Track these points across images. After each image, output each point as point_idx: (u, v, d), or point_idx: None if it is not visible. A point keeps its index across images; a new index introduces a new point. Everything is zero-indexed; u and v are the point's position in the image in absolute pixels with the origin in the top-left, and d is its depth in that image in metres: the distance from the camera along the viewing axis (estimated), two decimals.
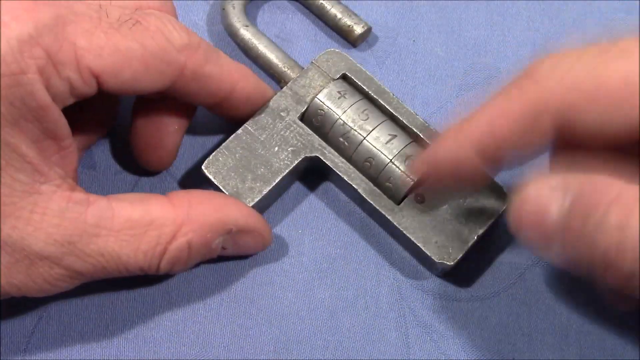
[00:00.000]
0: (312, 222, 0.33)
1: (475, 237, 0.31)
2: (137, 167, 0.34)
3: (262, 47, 0.35)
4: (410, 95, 0.36)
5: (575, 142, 0.26)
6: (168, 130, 0.32)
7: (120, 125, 0.35)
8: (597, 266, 0.23)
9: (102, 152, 0.34)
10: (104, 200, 0.27)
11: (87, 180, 0.34)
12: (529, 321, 0.32)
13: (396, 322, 0.32)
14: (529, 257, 0.33)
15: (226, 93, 0.31)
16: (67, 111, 0.27)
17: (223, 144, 0.32)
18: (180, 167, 0.34)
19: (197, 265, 0.32)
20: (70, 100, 0.27)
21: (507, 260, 0.33)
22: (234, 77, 0.31)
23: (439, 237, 0.31)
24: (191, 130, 0.35)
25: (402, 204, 0.31)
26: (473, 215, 0.31)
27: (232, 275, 0.32)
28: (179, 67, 0.28)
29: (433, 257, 0.30)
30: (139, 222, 0.27)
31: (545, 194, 0.24)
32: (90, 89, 0.27)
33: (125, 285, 0.32)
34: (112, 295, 0.32)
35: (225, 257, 0.32)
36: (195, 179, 0.34)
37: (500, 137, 0.26)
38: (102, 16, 0.27)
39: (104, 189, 0.34)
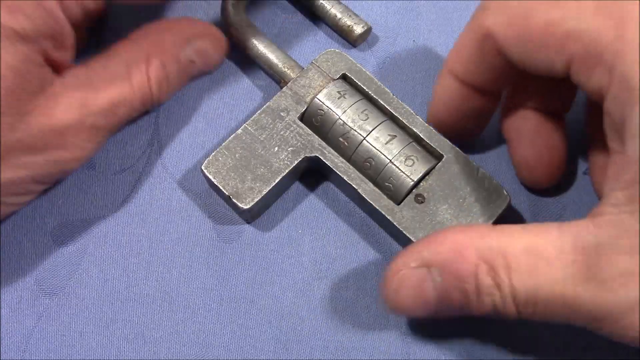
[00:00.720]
0: (312, 222, 0.33)
1: None
2: (137, 167, 0.34)
3: (262, 47, 0.35)
4: (410, 95, 0.36)
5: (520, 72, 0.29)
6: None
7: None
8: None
9: (102, 152, 0.34)
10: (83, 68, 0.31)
11: (87, 180, 0.34)
12: (529, 321, 0.32)
13: (396, 322, 0.32)
14: None
15: None
16: None
17: (223, 144, 0.32)
18: (181, 167, 0.34)
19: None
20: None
21: None
22: None
23: None
24: (191, 130, 0.35)
25: (402, 204, 0.31)
26: (473, 215, 0.31)
27: (232, 275, 0.32)
28: None
29: None
30: (119, 69, 0.31)
31: (414, 274, 0.27)
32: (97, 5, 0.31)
33: (126, 285, 0.32)
34: (112, 295, 0.32)
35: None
36: (195, 179, 0.34)
37: (465, 59, 0.30)
38: None
39: (104, 189, 0.34)
